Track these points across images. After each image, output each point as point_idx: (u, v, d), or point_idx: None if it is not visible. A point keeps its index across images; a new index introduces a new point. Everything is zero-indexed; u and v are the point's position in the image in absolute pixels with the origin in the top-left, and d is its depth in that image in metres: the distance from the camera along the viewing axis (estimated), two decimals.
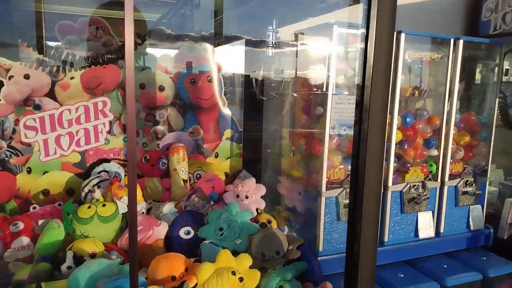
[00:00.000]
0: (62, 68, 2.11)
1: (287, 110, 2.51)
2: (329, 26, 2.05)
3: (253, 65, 2.59)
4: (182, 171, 2.25)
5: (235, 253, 1.71)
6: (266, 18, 2.67)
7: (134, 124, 1.01)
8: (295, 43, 2.43)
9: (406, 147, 2.34)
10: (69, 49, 2.11)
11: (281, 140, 2.59)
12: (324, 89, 2.12)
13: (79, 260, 1.64)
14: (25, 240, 1.84)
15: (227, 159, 2.55)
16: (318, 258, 2.04)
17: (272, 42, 2.64)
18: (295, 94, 2.46)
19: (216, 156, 2.52)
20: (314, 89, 2.26)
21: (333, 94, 2.05)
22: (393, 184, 2.27)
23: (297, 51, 2.44)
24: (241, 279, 1.57)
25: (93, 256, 1.72)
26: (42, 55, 2.07)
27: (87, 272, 1.49)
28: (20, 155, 2.13)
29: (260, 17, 2.72)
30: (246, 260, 1.66)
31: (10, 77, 2.02)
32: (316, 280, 1.77)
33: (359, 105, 1.29)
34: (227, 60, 2.48)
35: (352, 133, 1.45)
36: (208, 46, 2.40)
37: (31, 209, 2.05)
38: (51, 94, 2.12)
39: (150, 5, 2.56)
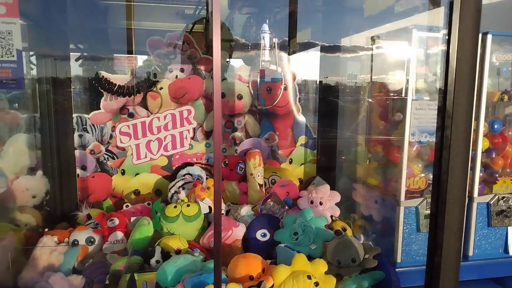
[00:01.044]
0: (152, 79, 2.33)
1: (363, 116, 2.48)
2: (407, 30, 2.00)
3: (328, 71, 2.60)
4: (258, 175, 2.34)
5: (310, 258, 1.74)
6: (341, 24, 2.68)
7: (220, 130, 1.10)
8: (370, 47, 2.40)
9: (494, 156, 2.18)
10: (158, 62, 2.33)
11: (357, 147, 2.56)
12: (403, 94, 2.07)
13: (166, 255, 1.79)
14: (119, 234, 2.04)
15: (301, 165, 2.59)
16: (396, 270, 1.98)
17: (347, 48, 2.63)
18: (370, 100, 2.42)
19: (291, 162, 2.57)
20: (392, 94, 2.21)
21: (412, 100, 1.99)
22: (479, 195, 2.12)
23: (372, 55, 2.41)
24: (316, 284, 1.59)
25: (178, 252, 1.86)
26: (134, 68, 2.31)
27: (174, 266, 1.62)
28: (115, 158, 2.38)
29: (334, 23, 2.73)
30: (321, 265, 1.67)
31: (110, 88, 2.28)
32: None
33: (441, 110, 1.25)
34: (302, 67, 2.53)
35: (434, 140, 1.40)
36: (283, 55, 2.47)
37: (124, 207, 2.27)
38: (143, 103, 2.35)
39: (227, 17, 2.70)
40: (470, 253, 2.15)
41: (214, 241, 1.18)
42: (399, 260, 2.09)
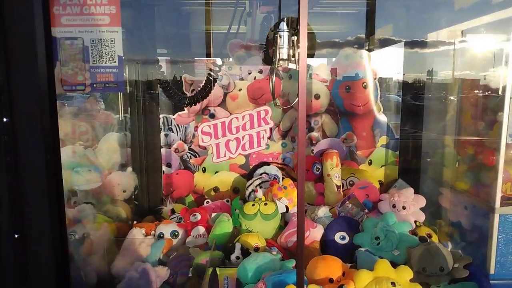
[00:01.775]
0: (232, 81, 2.40)
1: (452, 115, 2.30)
2: (503, 22, 1.81)
3: (411, 68, 2.46)
4: (336, 177, 2.29)
5: (392, 265, 1.66)
6: (427, 19, 2.51)
7: (304, 130, 1.09)
8: (460, 42, 2.22)
9: None
10: (238, 64, 2.40)
11: (444, 148, 2.38)
12: (500, 92, 1.88)
13: (245, 252, 1.83)
14: (201, 229, 2.12)
15: (381, 166, 2.48)
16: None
17: (433, 43, 2.46)
18: (459, 98, 2.24)
19: (370, 163, 2.48)
20: (487, 92, 2.02)
21: (510, 98, 1.80)
22: None
23: (461, 51, 2.23)
24: None
25: (256, 249, 1.90)
26: (215, 70, 2.40)
27: (254, 263, 1.65)
28: (197, 156, 2.49)
29: (419, 18, 2.57)
30: (406, 272, 1.59)
31: (192, 91, 2.40)
32: None
33: None
34: (384, 65, 2.42)
35: None
36: (364, 52, 2.39)
37: (205, 203, 2.37)
38: (223, 104, 2.44)
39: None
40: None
41: (297, 243, 1.18)
42: (492, 271, 1.91)
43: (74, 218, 2.01)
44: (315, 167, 2.35)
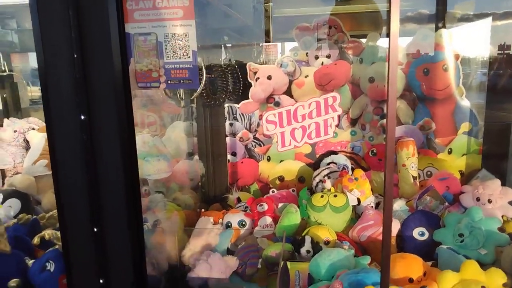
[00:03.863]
0: (298, 67, 2.31)
1: None
2: None
3: (500, 43, 2.20)
4: (412, 167, 2.13)
5: (480, 265, 1.51)
6: None
7: (394, 119, 0.99)
8: None
9: None
10: (304, 49, 2.30)
11: None
12: None
13: (316, 245, 1.77)
14: (268, 219, 2.09)
15: (462, 155, 2.27)
16: None
17: None
18: None
19: (450, 152, 2.28)
20: None
21: None
22: None
23: None
24: None
25: (327, 243, 1.83)
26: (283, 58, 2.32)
27: (327, 259, 1.59)
28: (262, 145, 2.46)
29: None
30: (499, 276, 1.44)
31: (257, 79, 2.34)
32: None
33: None
34: (467, 43, 2.19)
35: None
36: (444, 31, 2.16)
37: (270, 192, 2.33)
38: (288, 92, 2.36)
39: None
40: None
41: (382, 243, 1.09)
42: None
43: (146, 207, 2.08)
44: None
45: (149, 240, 1.93)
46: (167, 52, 1.22)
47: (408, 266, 1.56)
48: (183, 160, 2.49)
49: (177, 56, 1.22)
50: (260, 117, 2.41)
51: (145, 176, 2.29)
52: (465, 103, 2.21)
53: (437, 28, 2.27)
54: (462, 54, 2.19)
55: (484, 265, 1.53)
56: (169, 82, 1.24)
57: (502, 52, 2.24)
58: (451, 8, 2.33)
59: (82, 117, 1.25)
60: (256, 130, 2.45)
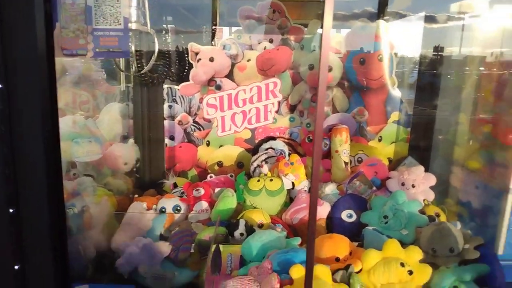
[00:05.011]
0: (241, 51, 2.28)
1: (469, 92, 2.20)
2: None
3: (431, 42, 2.33)
4: (344, 153, 2.22)
5: (400, 244, 1.61)
6: None
7: (323, 106, 1.01)
8: (488, 14, 2.09)
9: None
10: (248, 33, 2.28)
11: (457, 126, 2.29)
12: None
13: (250, 228, 1.78)
14: (204, 204, 2.08)
15: (391, 143, 2.40)
16: None
17: (454, 16, 2.33)
18: (478, 74, 2.13)
19: (380, 140, 2.40)
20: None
21: None
22: None
23: (484, 24, 2.10)
24: (410, 272, 1.47)
25: (260, 226, 1.85)
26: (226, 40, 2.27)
27: (259, 241, 1.61)
28: (202, 129, 2.42)
29: None
30: (416, 253, 1.54)
31: (199, 60, 2.29)
32: (498, 287, 1.55)
33: None
34: (400, 38, 2.29)
35: None
36: (381, 22, 2.24)
37: (208, 178, 2.31)
38: (230, 75, 2.33)
39: None
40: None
41: (308, 223, 1.12)
42: (500, 252, 1.87)
43: (74, 191, 1.97)
44: (323, 143, 2.27)
45: (76, 226, 1.83)
46: (97, 18, 1.14)
47: (335, 246, 1.62)
48: (116, 143, 2.37)
49: (107, 22, 1.14)
50: (201, 100, 2.36)
51: (74, 158, 2.17)
52: (396, 93, 2.32)
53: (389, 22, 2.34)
54: (396, 47, 2.29)
55: (405, 244, 1.62)
56: (97, 50, 1.16)
57: (436, 53, 2.38)
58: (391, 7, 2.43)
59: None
60: (196, 114, 2.39)
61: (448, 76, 2.35)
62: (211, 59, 2.27)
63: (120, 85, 2.53)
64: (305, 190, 2.08)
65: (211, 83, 2.33)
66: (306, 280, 1.13)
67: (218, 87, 2.33)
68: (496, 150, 1.98)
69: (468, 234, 1.78)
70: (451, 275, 1.50)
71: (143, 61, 2.16)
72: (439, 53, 2.35)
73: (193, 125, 2.41)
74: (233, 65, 2.31)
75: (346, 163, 2.23)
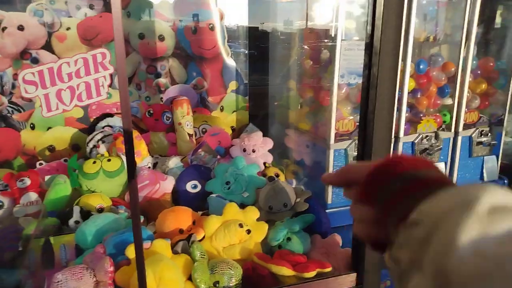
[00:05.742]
0: (57, 18, 2.01)
1: (294, 60, 2.39)
2: None
3: (260, 15, 2.45)
4: (187, 125, 2.20)
5: (243, 206, 1.70)
6: None
7: (126, 81, 0.94)
8: None
9: (419, 96, 2.24)
10: None
11: (289, 92, 2.50)
12: (333, 36, 2.00)
13: (86, 214, 1.64)
14: (33, 195, 1.84)
15: (233, 112, 2.48)
16: (327, 211, 2.01)
17: None
18: (304, 46, 2.34)
19: (222, 110, 2.45)
20: (324, 38, 2.14)
21: (342, 40, 1.93)
22: (405, 134, 2.19)
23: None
24: (248, 231, 1.56)
25: (100, 210, 1.72)
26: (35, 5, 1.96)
27: (93, 226, 1.49)
28: (22, 110, 2.09)
29: None
30: (253, 212, 1.64)
31: (4, 29, 1.93)
32: (325, 232, 1.76)
33: (368, 47, 1.19)
34: (229, 8, 2.33)
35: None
36: None
37: (37, 165, 2.04)
38: (48, 47, 2.04)
39: None
40: None
41: (130, 196, 1.06)
42: (329, 201, 2.13)
43: None
44: (165, 116, 2.21)
45: None
46: None
47: (177, 218, 1.61)
48: None
49: None
50: (15, 76, 2.02)
51: None
52: (231, 62, 2.38)
53: None
54: (226, 16, 2.32)
55: (247, 206, 1.72)
56: None
57: (263, 24, 2.49)
58: None
59: None
60: (11, 93, 2.04)
61: (276, 46, 2.52)
62: (21, 28, 1.95)
63: None
64: (149, 167, 2.01)
65: (25, 56, 2.01)
66: (137, 257, 1.08)
67: (35, 60, 2.02)
68: (319, 112, 2.23)
69: (300, 188, 1.97)
70: (284, 228, 1.65)
71: None
72: (265, 24, 2.49)
73: (11, 107, 2.07)
74: (50, 34, 2.03)
75: (190, 135, 2.22)
